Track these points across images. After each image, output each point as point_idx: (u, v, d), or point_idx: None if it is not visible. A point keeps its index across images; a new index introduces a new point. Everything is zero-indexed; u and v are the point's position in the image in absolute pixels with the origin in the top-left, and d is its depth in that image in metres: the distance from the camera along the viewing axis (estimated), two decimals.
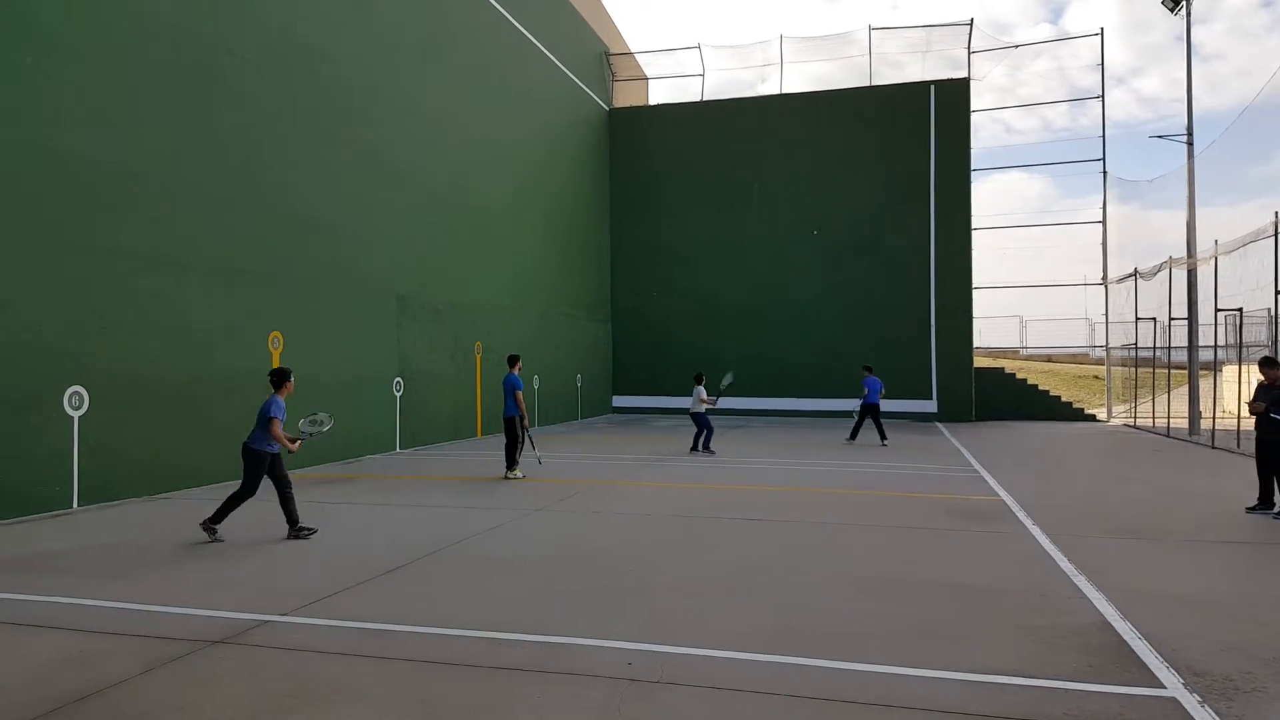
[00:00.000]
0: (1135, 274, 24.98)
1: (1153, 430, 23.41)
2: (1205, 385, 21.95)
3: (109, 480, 11.03)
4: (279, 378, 9.16)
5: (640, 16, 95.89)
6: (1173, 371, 23.06)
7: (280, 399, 8.99)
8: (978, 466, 15.22)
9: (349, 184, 16.05)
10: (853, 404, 24.87)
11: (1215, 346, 20.16)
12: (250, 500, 8.97)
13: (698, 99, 31.08)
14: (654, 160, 30.53)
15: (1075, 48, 29.96)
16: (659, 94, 35.04)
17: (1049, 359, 40.86)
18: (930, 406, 27.37)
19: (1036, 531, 9.28)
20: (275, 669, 5.11)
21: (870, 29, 29.29)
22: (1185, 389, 22.30)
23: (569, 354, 26.59)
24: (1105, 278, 28.58)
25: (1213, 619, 6.09)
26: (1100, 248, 28.62)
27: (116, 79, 11.33)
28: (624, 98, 32.24)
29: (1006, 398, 28.13)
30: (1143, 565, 7.86)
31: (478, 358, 20.56)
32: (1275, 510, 10.40)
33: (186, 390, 12.22)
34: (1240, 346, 18.43)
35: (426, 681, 4.92)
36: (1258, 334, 18.80)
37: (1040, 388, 29.31)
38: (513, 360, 14.27)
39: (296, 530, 8.92)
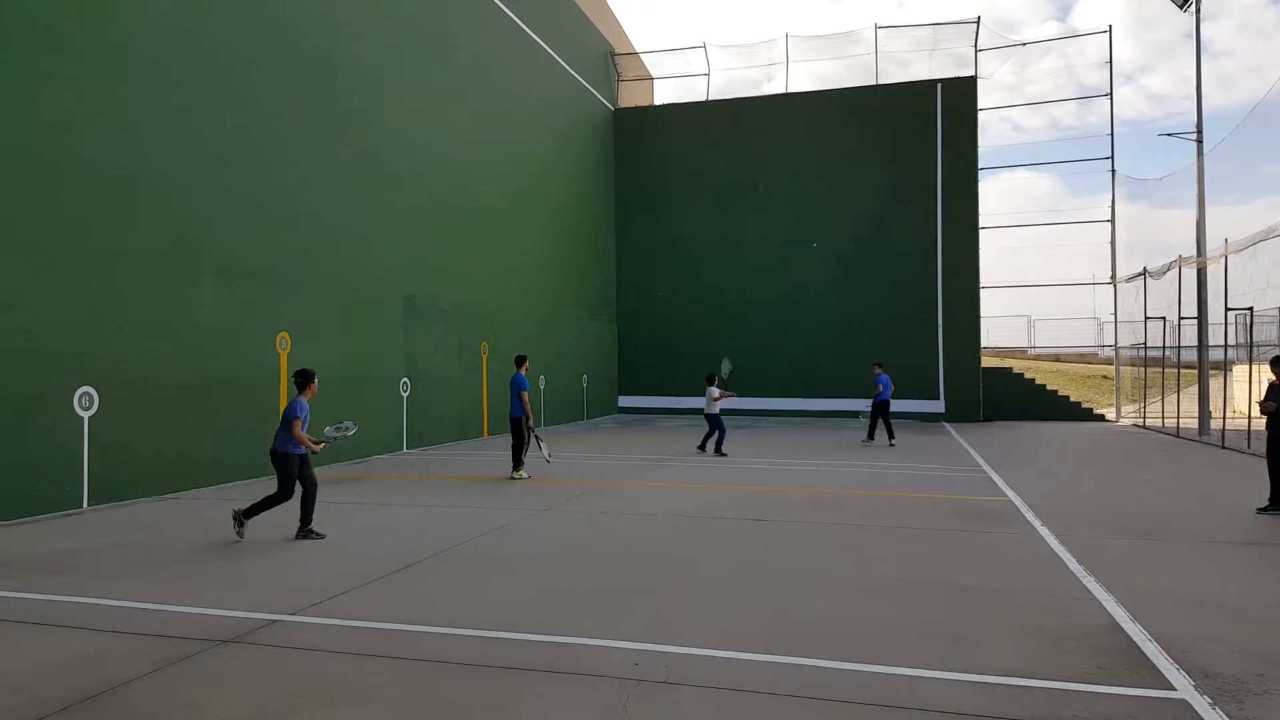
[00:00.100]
0: (1144, 273, 24.90)
1: (1162, 430, 23.32)
2: (1215, 385, 21.86)
3: (118, 480, 11.07)
4: (303, 379, 9.17)
5: (645, 16, 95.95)
6: (1182, 371, 22.97)
7: (304, 400, 9.01)
8: (985, 467, 15.18)
9: (356, 184, 16.08)
10: (863, 404, 24.82)
11: (1225, 346, 20.07)
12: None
13: (703, 98, 31.07)
14: (659, 160, 30.52)
15: (1083, 45, 29.85)
16: (664, 94, 35.13)
17: (1057, 358, 40.75)
18: (938, 406, 27.31)
19: (1045, 532, 9.25)
20: (284, 668, 5.12)
21: (876, 27, 29.27)
22: (1195, 389, 22.22)
23: (574, 354, 26.60)
24: (1114, 277, 28.49)
25: (1224, 621, 6.06)
26: (1109, 246, 28.54)
27: (123, 81, 11.37)
28: (629, 97, 32.24)
29: (1014, 398, 28.06)
30: (1152, 566, 7.83)
31: (483, 358, 20.58)
32: None
33: (195, 390, 12.26)
34: (1251, 346, 18.35)
35: (434, 681, 4.92)
36: (1268, 333, 18.74)
37: (1048, 387, 29.23)
38: (520, 360, 14.28)
39: (306, 530, 8.94)
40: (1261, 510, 10.51)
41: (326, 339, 15.02)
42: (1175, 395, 22.60)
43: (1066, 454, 17.96)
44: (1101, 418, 28.27)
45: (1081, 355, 39.10)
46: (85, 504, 10.61)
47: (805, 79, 64.62)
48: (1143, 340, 24.94)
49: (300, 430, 8.80)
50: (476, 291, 20.38)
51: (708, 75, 31.39)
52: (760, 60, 31.18)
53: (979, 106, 27.82)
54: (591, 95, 28.89)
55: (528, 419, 13.75)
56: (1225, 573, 7.60)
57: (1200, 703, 4.56)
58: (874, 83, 29.09)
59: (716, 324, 29.27)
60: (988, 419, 27.33)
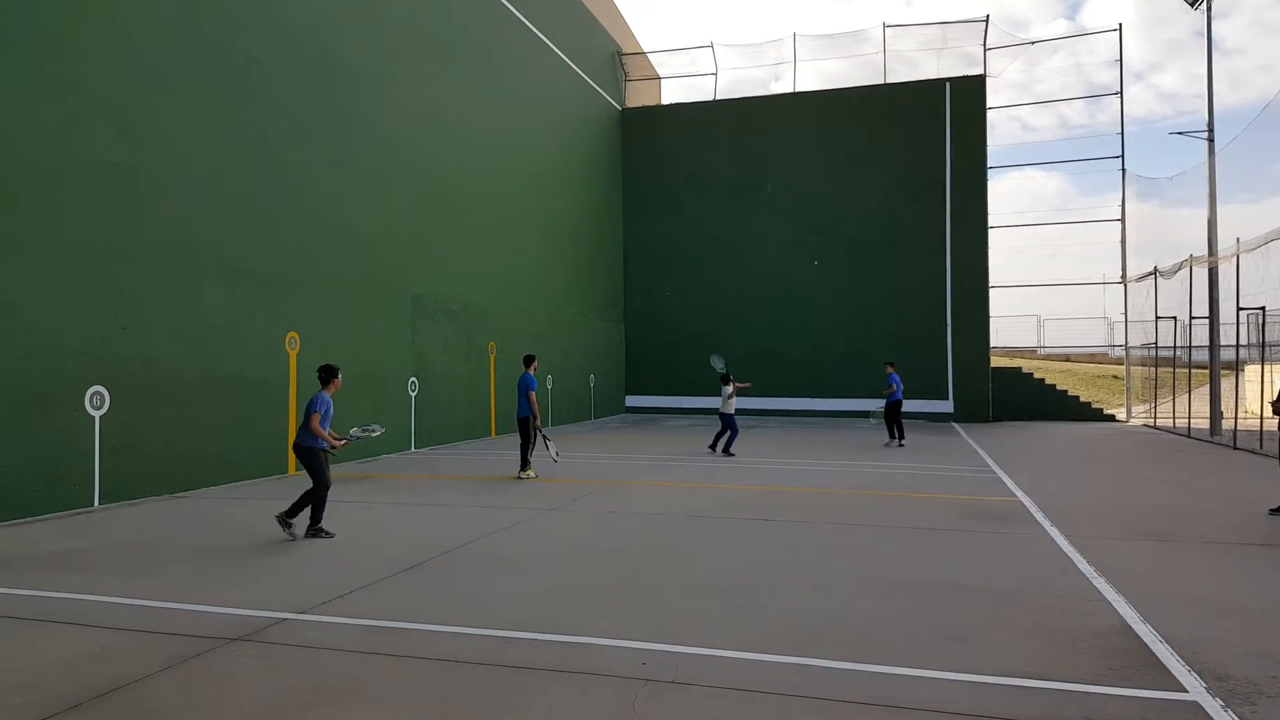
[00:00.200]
0: (1155, 272, 24.79)
1: (1173, 431, 23.22)
2: (1227, 385, 21.74)
3: (129, 479, 11.12)
4: (327, 374, 9.18)
5: (653, 16, 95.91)
6: (1193, 371, 22.86)
7: (326, 395, 9.02)
8: (994, 467, 15.14)
9: (363, 184, 16.12)
10: (871, 404, 24.80)
11: (1237, 346, 19.95)
12: (272, 500, 9.04)
13: (710, 98, 31.04)
14: (666, 159, 30.52)
15: (1093, 44, 29.65)
16: (672, 93, 35.04)
17: (1067, 358, 40.59)
18: (946, 407, 27.24)
19: (1055, 533, 9.22)
20: (293, 666, 5.14)
21: (884, 26, 29.20)
22: (1206, 389, 22.09)
23: (582, 354, 26.62)
24: (1124, 276, 28.37)
25: (1236, 622, 6.03)
26: (1119, 246, 28.41)
27: (128, 81, 11.42)
28: (636, 97, 32.24)
29: (1024, 398, 27.97)
30: (1163, 567, 7.79)
31: (491, 357, 20.61)
32: None
33: (205, 390, 12.30)
34: (1263, 346, 18.26)
35: (442, 679, 4.93)
36: None
37: (1058, 387, 29.13)
38: (528, 360, 14.30)
39: (316, 529, 8.96)
40: (1274, 511, 10.45)
41: (335, 339, 15.06)
42: (1186, 395, 22.50)
43: (1076, 454, 17.89)
44: (1112, 418, 28.16)
45: (1091, 355, 38.94)
46: (96, 503, 10.66)
47: (813, 78, 64.51)
48: (1153, 340, 24.83)
49: (317, 424, 8.80)
50: (484, 291, 20.41)
51: (715, 75, 31.38)
52: (768, 59, 31.15)
53: (988, 105, 27.73)
54: (599, 95, 28.90)
55: (535, 419, 13.77)
56: (1237, 574, 7.55)
57: (1212, 705, 4.53)
58: (882, 82, 29.03)
59: (724, 323, 29.26)
60: (997, 419, 27.26)
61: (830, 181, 28.65)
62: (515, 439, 14.14)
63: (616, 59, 30.99)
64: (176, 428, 11.84)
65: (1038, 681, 4.85)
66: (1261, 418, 17.89)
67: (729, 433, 17.18)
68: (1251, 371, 24.14)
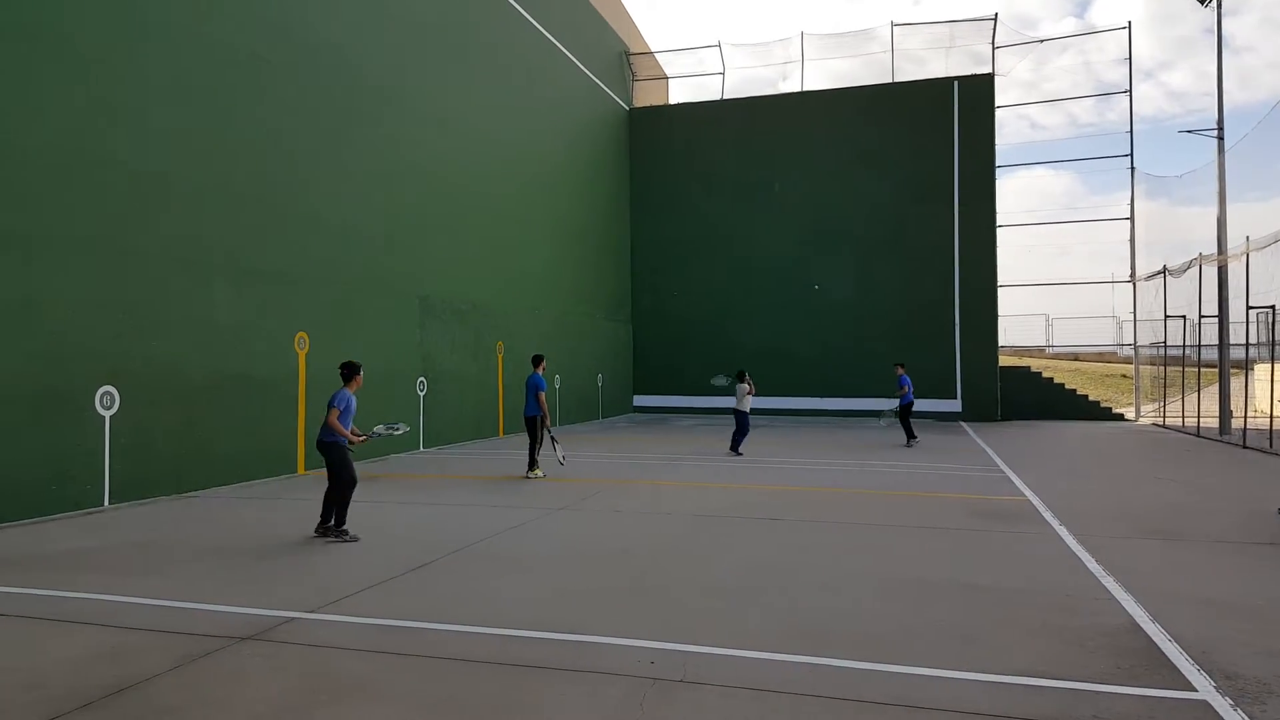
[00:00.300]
0: (1164, 271, 24.69)
1: (1182, 430, 23.13)
2: (1236, 384, 21.66)
3: (139, 479, 11.17)
4: (349, 371, 9.20)
5: (660, 16, 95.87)
6: (1203, 370, 22.77)
7: (347, 392, 9.04)
8: (1003, 467, 15.10)
9: (372, 185, 16.16)
10: (881, 403, 24.74)
11: (1247, 345, 19.89)
12: (282, 499, 9.06)
13: (718, 97, 31.04)
14: (674, 159, 30.52)
15: (1102, 42, 29.54)
16: (679, 93, 35.06)
17: (1075, 357, 40.46)
18: (955, 406, 27.18)
19: (1063, 532, 9.19)
20: (303, 665, 5.16)
21: (892, 25, 29.17)
22: (1215, 388, 22.01)
23: (590, 353, 26.64)
24: (1133, 275, 28.27)
25: (1245, 622, 6.01)
26: (1128, 244, 28.32)
27: (146, 83, 11.47)
28: (644, 97, 32.25)
29: (1032, 397, 27.90)
30: (1172, 567, 7.77)
31: (499, 357, 20.64)
32: None
33: (214, 390, 12.35)
34: (1273, 344, 18.17)
35: (450, 678, 4.94)
36: None
37: (1067, 387, 29.04)
38: (537, 360, 14.31)
39: (325, 528, 8.98)
40: None
41: (344, 338, 15.09)
42: (1195, 394, 22.40)
43: (1085, 454, 17.84)
44: (1120, 417, 28.06)
45: (1100, 354, 38.79)
46: (106, 502, 10.71)
47: (821, 77, 64.35)
48: (1162, 339, 24.74)
49: (335, 419, 8.81)
50: (492, 291, 20.44)
51: (723, 74, 31.37)
52: (775, 59, 31.15)
53: (996, 104, 27.68)
54: (606, 95, 28.91)
55: (545, 418, 13.78)
56: (1246, 574, 7.52)
57: (1222, 704, 4.52)
58: (890, 81, 28.99)
59: (732, 323, 29.26)
60: (1005, 418, 27.19)
61: (838, 180, 28.61)
62: (523, 439, 14.15)
63: (624, 59, 31.00)
64: (186, 428, 11.89)
65: (1047, 680, 4.84)
66: (1271, 416, 17.81)
67: (743, 429, 17.19)
68: (1261, 370, 24.04)
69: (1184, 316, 22.84)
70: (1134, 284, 28.28)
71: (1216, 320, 21.34)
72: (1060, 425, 25.56)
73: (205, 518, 10.15)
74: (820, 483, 13.06)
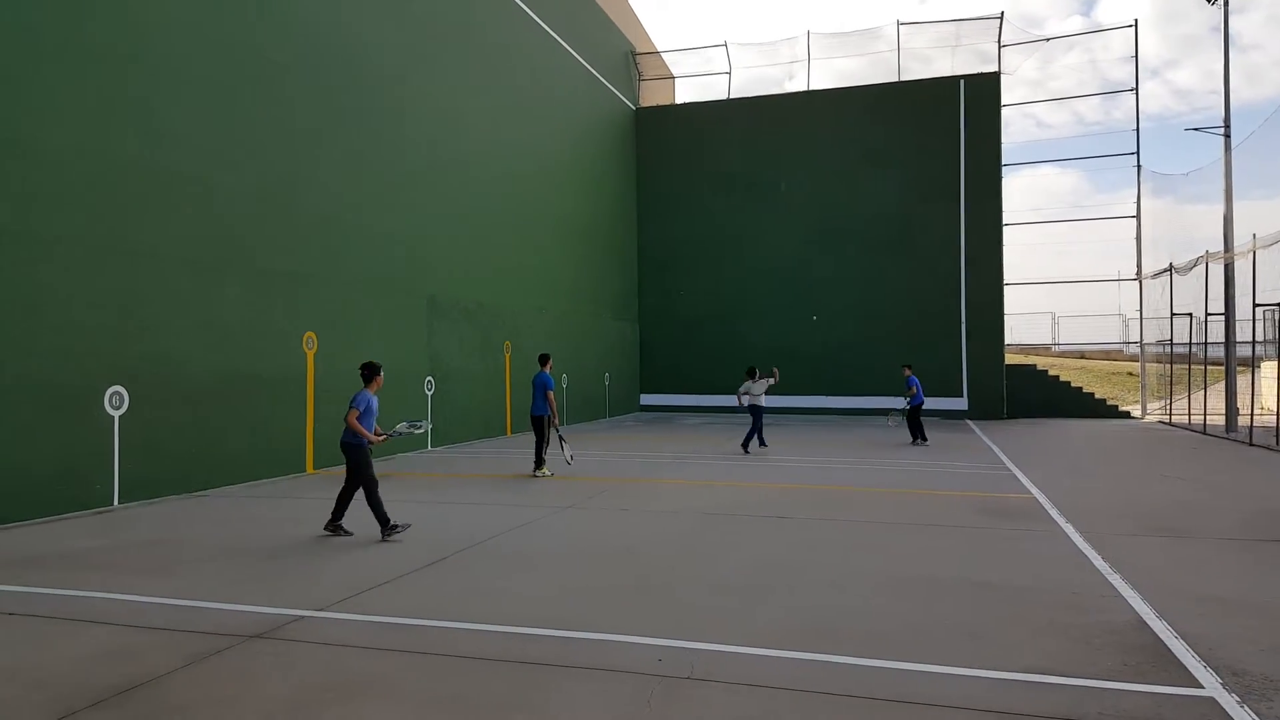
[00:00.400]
0: (1170, 269, 24.64)
1: (1189, 427, 23.07)
2: (1243, 381, 21.60)
3: (148, 478, 11.22)
4: (368, 372, 9.23)
5: (667, 15, 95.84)
6: (1209, 367, 22.72)
7: (368, 393, 9.07)
8: (1010, 464, 15.09)
9: (380, 185, 16.20)
10: (890, 401, 24.73)
11: (1253, 342, 19.83)
12: (290, 499, 9.09)
13: (724, 97, 31.03)
14: (680, 159, 30.53)
15: (1108, 40, 29.48)
16: (685, 92, 35.04)
17: (1082, 355, 40.39)
18: (961, 404, 27.16)
19: (1070, 530, 9.19)
20: (312, 663, 5.18)
21: (898, 24, 29.12)
22: (1222, 385, 21.96)
23: (596, 352, 26.66)
24: (1139, 273, 28.21)
25: (1251, 619, 6.01)
26: (1134, 242, 28.25)
27: (156, 84, 11.52)
28: (650, 96, 32.25)
29: (1038, 395, 27.85)
30: (1179, 564, 7.77)
31: (507, 357, 20.68)
32: None
33: (223, 390, 12.39)
34: (1279, 342, 18.13)
35: (459, 676, 4.97)
36: None
37: (1073, 385, 28.99)
38: (544, 359, 14.34)
39: (335, 526, 9.02)
40: None
41: (352, 338, 15.14)
42: (1202, 392, 22.36)
43: (1091, 451, 17.81)
44: (1127, 415, 28.00)
45: (1106, 352, 38.73)
46: (116, 502, 10.76)
47: (827, 76, 64.37)
48: (1169, 337, 24.69)
49: (354, 420, 8.85)
50: (499, 291, 20.48)
51: (729, 74, 31.36)
52: (782, 58, 31.11)
53: (1002, 102, 27.61)
54: (613, 94, 28.93)
55: (553, 417, 13.81)
56: (1253, 571, 7.52)
57: (1228, 700, 4.53)
58: (896, 79, 28.95)
59: (738, 322, 29.27)
60: (1011, 416, 27.16)
61: (844, 179, 28.60)
62: (530, 438, 14.18)
63: (630, 58, 31.02)
64: (195, 427, 11.94)
65: (1054, 678, 4.85)
66: (1278, 414, 17.76)
67: (754, 427, 17.21)
68: (1268, 368, 23.99)
69: (1190, 314, 22.78)
70: (1140, 282, 28.22)
71: (1223, 318, 21.29)
72: (1066, 423, 25.51)
73: (214, 517, 10.20)
74: (826, 480, 13.07)
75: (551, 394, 13.80)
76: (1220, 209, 21.70)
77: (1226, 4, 21.78)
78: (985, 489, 12.30)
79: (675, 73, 33.55)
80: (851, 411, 28.04)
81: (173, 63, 11.82)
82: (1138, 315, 28.70)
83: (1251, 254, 18.94)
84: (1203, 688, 4.71)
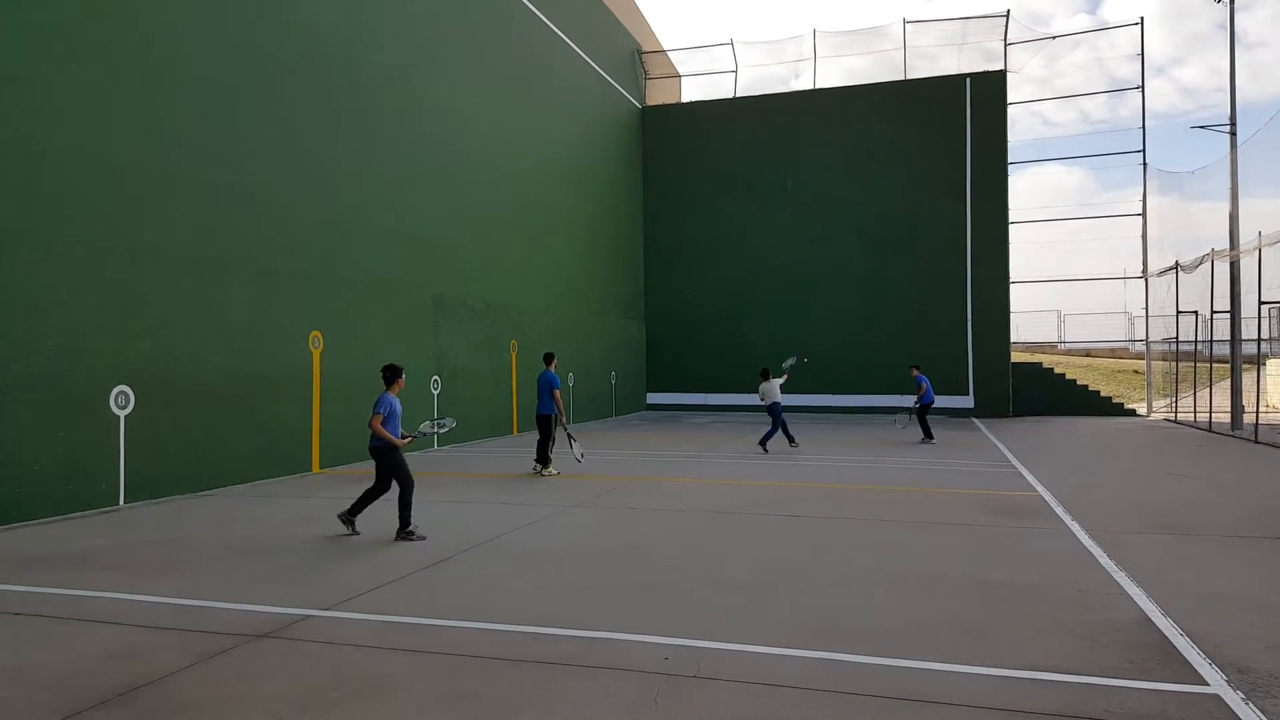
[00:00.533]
0: (1176, 266, 24.58)
1: (1194, 425, 23.02)
2: (1248, 379, 21.54)
3: (154, 478, 11.25)
4: (390, 374, 9.23)
5: (673, 14, 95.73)
6: (1215, 365, 22.66)
7: (390, 396, 9.06)
8: (1015, 462, 15.07)
9: (385, 184, 16.22)
10: (897, 400, 24.71)
11: (1259, 340, 19.79)
12: (296, 498, 9.10)
13: (731, 95, 31.02)
14: (687, 157, 30.52)
15: (1114, 38, 29.45)
16: (691, 91, 35.02)
17: (1087, 353, 40.29)
18: (967, 402, 27.12)
19: (1075, 527, 9.18)
20: (318, 663, 5.20)
21: (904, 22, 29.07)
22: (1228, 383, 21.91)
23: (603, 351, 26.67)
24: (1145, 271, 28.15)
25: (1257, 616, 5.99)
26: (1140, 240, 28.20)
27: (160, 83, 11.55)
28: (656, 95, 32.25)
29: (1044, 393, 27.81)
30: (1184, 562, 7.75)
31: (513, 356, 20.69)
32: None
33: (229, 389, 12.42)
34: None
35: (465, 675, 4.97)
36: None
37: (1079, 382, 28.95)
38: (549, 358, 14.35)
39: (349, 520, 9.02)
40: None
41: (358, 338, 15.17)
42: (1207, 390, 22.30)
43: (1097, 449, 17.78)
44: (1133, 413, 27.95)
45: (1112, 350, 38.65)
46: (122, 501, 10.79)
47: (833, 75, 64.14)
48: (1174, 334, 24.64)
49: (378, 424, 8.85)
50: (505, 290, 20.50)
51: (735, 72, 31.35)
52: (788, 56, 31.12)
53: (1008, 100, 27.58)
54: (619, 93, 28.93)
55: (561, 416, 13.82)
56: (1258, 568, 7.50)
57: (1234, 698, 4.52)
58: (902, 78, 28.92)
59: (744, 320, 29.26)
60: (1017, 414, 27.12)
61: (850, 178, 28.57)
62: (537, 437, 14.19)
63: (636, 57, 31.02)
64: (200, 427, 11.97)
65: (1060, 675, 4.85)
66: None
67: (775, 426, 17.21)
68: (1273, 365, 23.93)
69: (1196, 312, 22.73)
70: (1146, 279, 28.15)
71: (1229, 315, 21.22)
72: (1072, 421, 25.47)
73: (220, 516, 10.22)
74: (833, 479, 13.06)
75: (558, 392, 13.82)
76: (1226, 206, 21.63)
77: (1232, 2, 21.72)
78: (991, 487, 12.28)
79: (681, 71, 33.55)
80: (857, 410, 28.02)
81: (176, 62, 11.85)
82: (1143, 313, 28.65)
83: (1257, 251, 18.88)
84: (1208, 685, 4.71)
